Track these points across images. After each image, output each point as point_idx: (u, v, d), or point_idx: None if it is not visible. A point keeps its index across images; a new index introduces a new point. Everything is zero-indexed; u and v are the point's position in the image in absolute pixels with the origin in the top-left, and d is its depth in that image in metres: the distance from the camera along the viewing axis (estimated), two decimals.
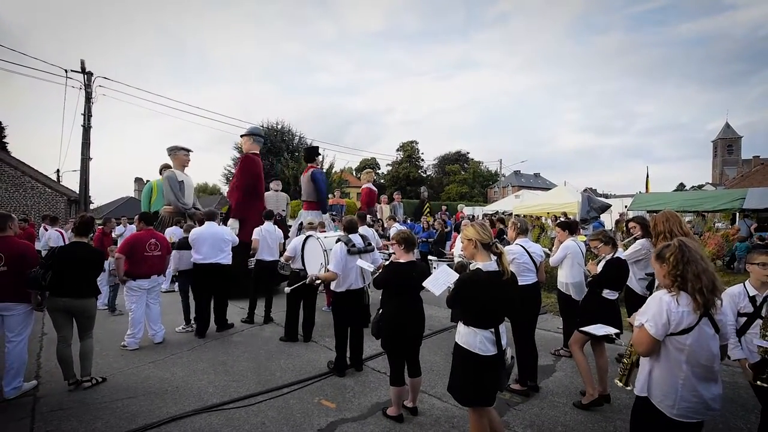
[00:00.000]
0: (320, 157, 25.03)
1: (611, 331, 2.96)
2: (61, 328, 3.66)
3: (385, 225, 9.34)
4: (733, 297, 2.61)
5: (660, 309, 1.83)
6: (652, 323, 1.84)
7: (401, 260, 3.20)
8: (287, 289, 4.66)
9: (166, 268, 5.10)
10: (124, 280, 4.71)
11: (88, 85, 13.90)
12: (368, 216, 9.31)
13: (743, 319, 2.57)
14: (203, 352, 4.63)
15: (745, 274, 7.75)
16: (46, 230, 7.95)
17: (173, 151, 8.07)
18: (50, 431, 2.97)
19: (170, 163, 8.24)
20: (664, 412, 1.86)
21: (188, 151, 8.21)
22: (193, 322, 5.44)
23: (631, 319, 2.11)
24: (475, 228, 2.52)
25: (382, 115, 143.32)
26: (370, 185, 10.20)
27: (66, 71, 13.58)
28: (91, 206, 19.39)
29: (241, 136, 7.84)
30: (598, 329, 2.99)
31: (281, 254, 5.60)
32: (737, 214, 12.20)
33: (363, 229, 5.42)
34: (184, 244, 5.49)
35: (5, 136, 29.46)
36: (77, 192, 15.88)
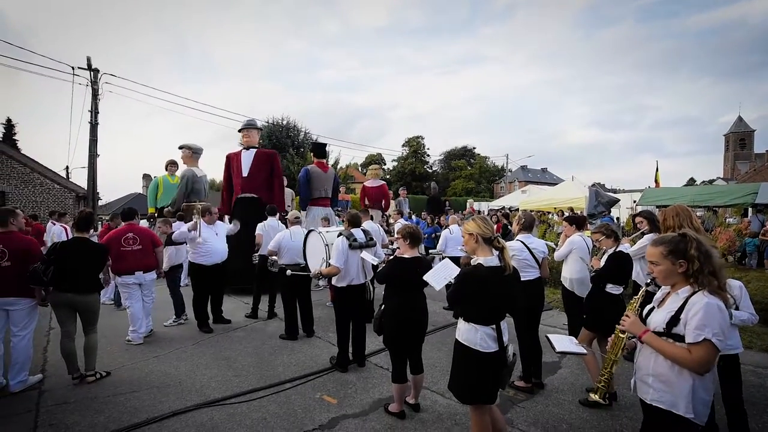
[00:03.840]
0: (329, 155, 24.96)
1: (574, 350, 2.49)
2: (65, 323, 3.68)
3: (390, 220, 9.30)
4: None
5: (724, 318, 1.65)
6: (721, 337, 1.61)
7: (406, 255, 3.16)
8: (289, 272, 4.63)
9: (157, 263, 4.93)
10: (107, 280, 4.62)
11: (94, 82, 13.97)
12: (381, 213, 9.21)
13: None
14: (207, 347, 4.64)
15: (756, 270, 7.57)
16: (53, 225, 8.04)
17: (191, 151, 8.23)
18: (54, 425, 2.99)
19: (178, 160, 8.54)
20: (697, 423, 1.70)
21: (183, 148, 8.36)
22: (185, 315, 5.53)
23: (631, 328, 1.87)
24: (476, 222, 2.46)
25: (388, 111, 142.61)
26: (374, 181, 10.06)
27: (73, 68, 13.67)
28: (100, 202, 19.61)
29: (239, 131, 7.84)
30: (563, 344, 2.54)
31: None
32: (750, 209, 11.96)
33: (368, 224, 5.39)
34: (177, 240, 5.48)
35: (15, 134, 29.89)
36: (86, 188, 16.03)
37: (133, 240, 4.64)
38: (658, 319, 1.81)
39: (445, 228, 8.71)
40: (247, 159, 7.33)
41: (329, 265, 3.92)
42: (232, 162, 7.39)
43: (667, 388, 1.74)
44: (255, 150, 7.44)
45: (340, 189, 12.60)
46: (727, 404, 2.76)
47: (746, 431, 2.72)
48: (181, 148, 8.20)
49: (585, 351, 2.58)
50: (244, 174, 7.27)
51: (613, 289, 3.42)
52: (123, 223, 4.85)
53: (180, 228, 5.21)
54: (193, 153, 8.16)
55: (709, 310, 1.64)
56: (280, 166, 7.37)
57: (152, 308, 5.21)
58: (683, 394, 1.69)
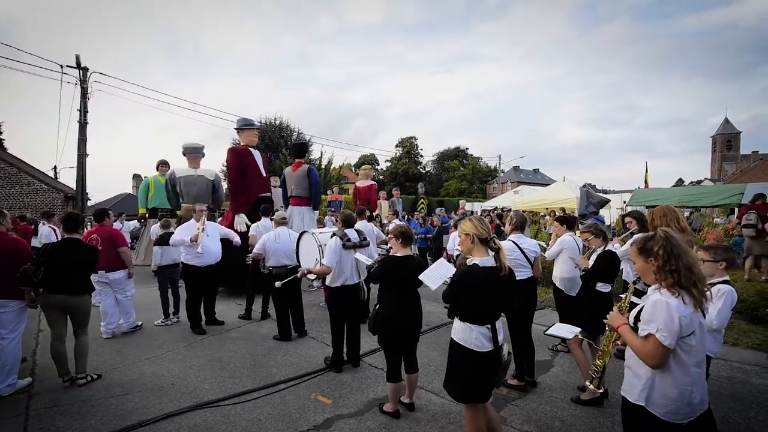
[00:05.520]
0: (312, 154, 24.78)
1: (575, 330, 2.67)
2: (55, 325, 3.63)
3: (384, 221, 9.31)
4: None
5: (670, 315, 1.65)
6: (665, 333, 1.64)
7: (398, 254, 3.18)
8: (278, 284, 4.62)
9: (124, 264, 4.94)
10: None
11: (83, 81, 13.77)
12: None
13: None
14: (200, 349, 4.60)
15: (741, 269, 7.72)
16: (43, 225, 7.92)
17: (193, 152, 8.16)
18: (44, 428, 2.95)
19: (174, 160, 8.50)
20: (666, 420, 1.72)
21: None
22: (172, 315, 5.56)
23: (611, 321, 1.94)
24: (472, 222, 2.48)
25: (382, 109, 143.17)
26: (366, 182, 10.07)
27: (61, 66, 13.47)
28: (89, 203, 19.32)
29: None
30: (562, 330, 2.70)
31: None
32: (736, 209, 12.20)
33: (362, 224, 5.40)
34: (164, 240, 5.48)
35: (1, 133, 29.29)
36: (74, 188, 15.78)
37: (95, 241, 4.73)
38: (632, 314, 1.89)
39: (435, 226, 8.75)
40: (259, 159, 7.38)
41: (321, 264, 3.92)
42: (247, 159, 7.18)
43: (632, 378, 1.83)
44: (258, 151, 7.51)
45: (334, 189, 12.60)
46: None
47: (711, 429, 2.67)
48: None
49: (571, 336, 2.63)
50: (264, 174, 7.35)
51: (602, 287, 3.49)
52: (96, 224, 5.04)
53: (180, 235, 5.16)
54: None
55: (656, 307, 1.70)
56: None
57: (146, 308, 5.19)
58: (640, 384, 1.77)
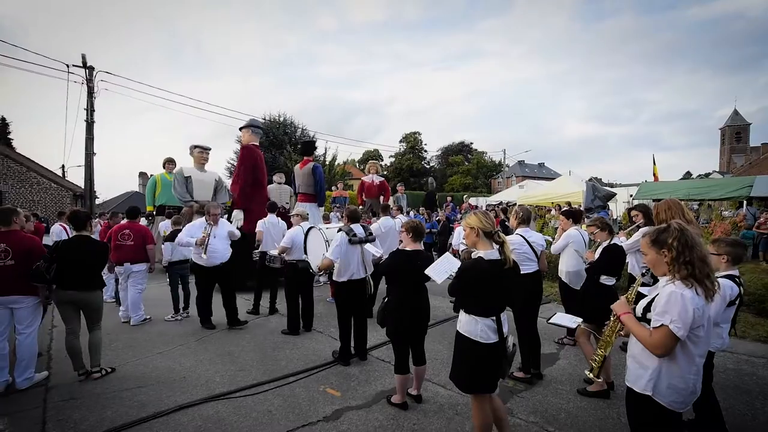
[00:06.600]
0: (316, 151, 24.91)
1: (578, 320, 2.72)
2: (69, 321, 3.72)
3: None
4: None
5: (685, 307, 1.66)
6: (679, 324, 1.65)
7: (407, 248, 3.22)
8: (276, 264, 4.81)
9: (148, 259, 5.36)
10: (111, 268, 5.29)
11: (89, 80, 13.90)
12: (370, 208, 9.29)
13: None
14: (210, 343, 4.69)
15: (751, 261, 7.67)
16: (56, 224, 8.07)
17: (191, 150, 8.45)
18: (62, 420, 3.04)
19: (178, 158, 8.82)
20: (671, 409, 1.76)
21: (203, 149, 8.50)
22: (182, 311, 5.71)
23: (616, 308, 1.95)
24: (477, 216, 2.51)
25: (385, 106, 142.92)
26: (372, 177, 10.11)
27: (67, 66, 13.61)
28: (97, 201, 19.53)
29: (240, 128, 7.86)
30: (565, 320, 2.74)
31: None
32: (744, 202, 12.08)
33: (385, 219, 5.56)
34: (175, 237, 5.54)
35: (10, 133, 29.67)
36: (83, 187, 15.96)
37: (128, 236, 5.24)
38: (641, 304, 1.90)
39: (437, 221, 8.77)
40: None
41: (325, 258, 3.96)
42: (255, 157, 7.64)
43: (638, 369, 1.85)
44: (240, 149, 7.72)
45: (338, 185, 12.64)
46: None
47: (718, 420, 2.64)
48: (206, 149, 8.36)
49: (574, 326, 2.66)
50: (232, 172, 7.57)
51: (606, 280, 3.50)
52: (125, 220, 5.54)
53: (188, 236, 5.14)
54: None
55: (671, 299, 1.70)
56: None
57: (156, 304, 5.29)
58: (647, 374, 1.79)
